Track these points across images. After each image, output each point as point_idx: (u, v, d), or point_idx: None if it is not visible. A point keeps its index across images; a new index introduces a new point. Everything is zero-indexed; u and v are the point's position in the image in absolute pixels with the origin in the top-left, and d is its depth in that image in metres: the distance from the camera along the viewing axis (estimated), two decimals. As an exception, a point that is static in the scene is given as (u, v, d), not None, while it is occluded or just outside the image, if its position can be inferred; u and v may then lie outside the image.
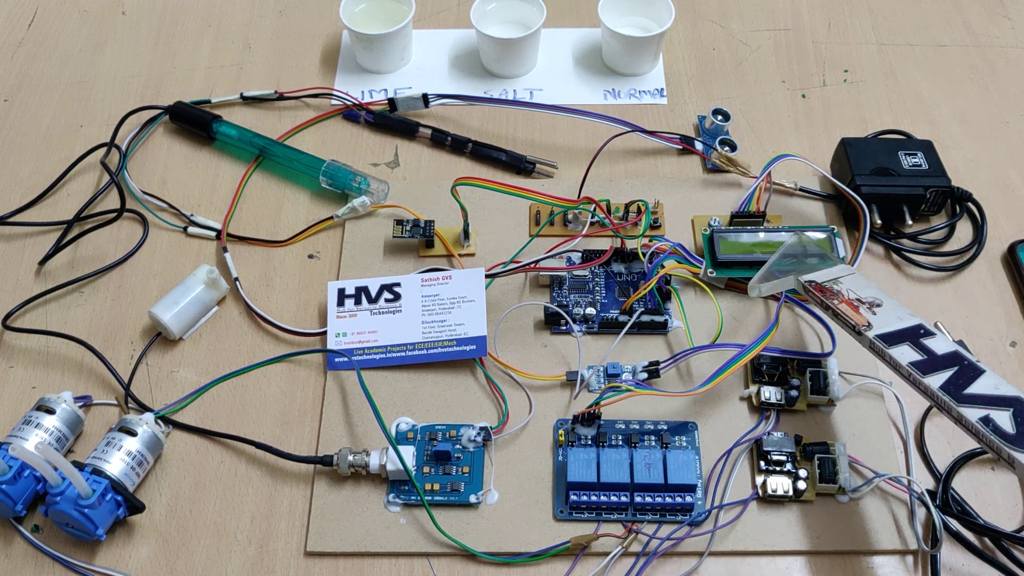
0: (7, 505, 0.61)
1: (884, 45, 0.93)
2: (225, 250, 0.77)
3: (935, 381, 0.53)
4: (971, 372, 0.54)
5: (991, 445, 0.49)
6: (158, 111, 0.87)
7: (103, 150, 0.84)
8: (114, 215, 0.79)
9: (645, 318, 0.71)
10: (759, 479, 0.64)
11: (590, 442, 0.66)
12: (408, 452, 0.64)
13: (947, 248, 0.77)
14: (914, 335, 0.57)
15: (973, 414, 0.51)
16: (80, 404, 0.68)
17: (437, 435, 0.66)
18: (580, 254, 0.75)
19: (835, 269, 0.64)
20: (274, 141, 0.84)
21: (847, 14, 0.95)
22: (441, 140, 0.84)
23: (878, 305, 0.60)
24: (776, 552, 0.62)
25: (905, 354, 0.55)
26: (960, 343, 0.69)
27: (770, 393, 0.67)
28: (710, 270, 0.72)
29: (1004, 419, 0.50)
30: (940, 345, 0.56)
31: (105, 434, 0.64)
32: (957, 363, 0.54)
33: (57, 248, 0.77)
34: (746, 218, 0.75)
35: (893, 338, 0.57)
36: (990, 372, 0.53)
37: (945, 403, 0.52)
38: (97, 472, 0.61)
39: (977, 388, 0.52)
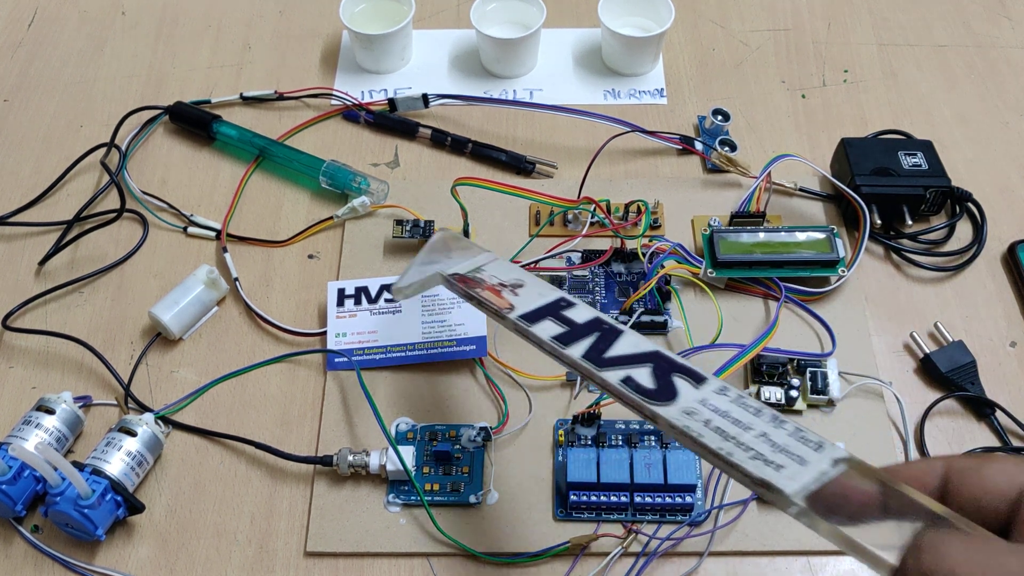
0: (7, 505, 0.61)
1: (884, 45, 0.93)
2: (225, 250, 0.77)
3: (576, 351, 0.51)
4: (611, 335, 0.51)
5: (635, 405, 0.47)
6: (158, 111, 0.87)
7: (103, 150, 0.84)
8: (114, 215, 0.79)
9: (645, 318, 0.71)
10: (759, 479, 0.64)
11: (590, 442, 0.66)
12: (408, 452, 0.64)
13: (947, 248, 0.77)
14: (555, 309, 0.54)
15: (614, 376, 0.48)
16: (80, 404, 0.68)
17: (437, 435, 0.66)
18: (580, 254, 0.75)
19: (478, 258, 0.62)
20: (274, 141, 0.84)
21: (847, 14, 0.95)
22: (441, 140, 0.84)
23: (520, 286, 0.58)
24: (776, 552, 0.62)
25: (547, 329, 0.53)
26: (960, 343, 0.69)
27: (770, 393, 0.67)
28: (710, 270, 0.72)
29: (644, 376, 0.48)
30: (581, 314, 0.54)
31: (105, 434, 0.64)
32: (597, 329, 0.52)
33: (57, 248, 0.77)
34: (746, 218, 0.75)
35: (535, 316, 0.54)
36: (629, 332, 0.51)
37: (587, 371, 0.50)
38: (97, 472, 0.61)
39: (617, 350, 0.50)
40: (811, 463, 0.39)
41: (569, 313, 0.54)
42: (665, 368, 0.48)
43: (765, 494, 0.39)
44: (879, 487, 0.36)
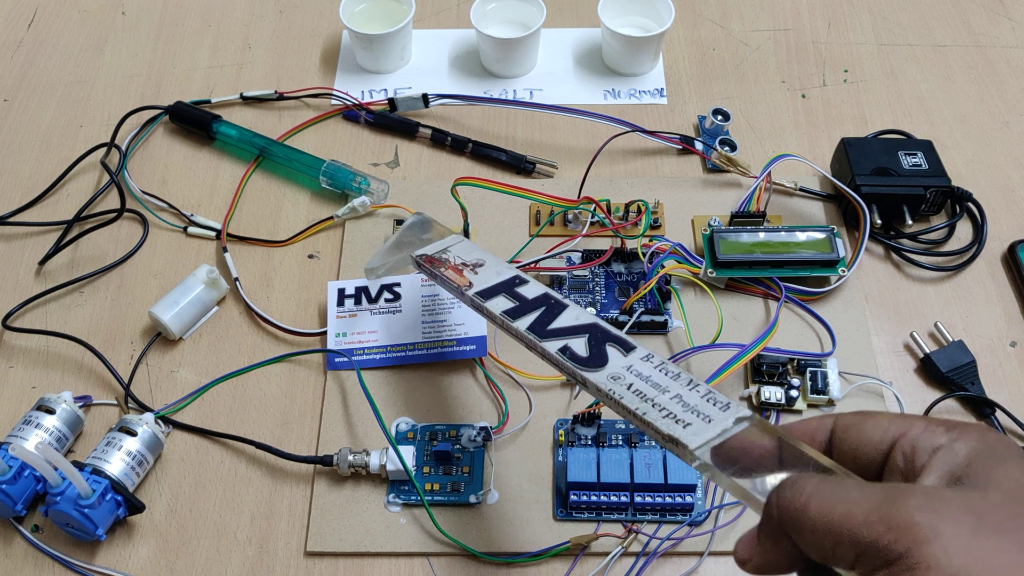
0: (7, 505, 0.61)
1: (884, 45, 0.93)
2: (225, 250, 0.77)
3: (523, 324, 0.55)
4: (556, 310, 0.55)
5: (568, 371, 0.51)
6: (158, 111, 0.87)
7: (103, 150, 0.84)
8: (114, 215, 0.79)
9: (645, 318, 0.71)
10: (759, 479, 0.64)
11: (590, 442, 0.66)
12: (408, 452, 0.64)
13: (947, 248, 0.77)
14: (509, 286, 0.59)
15: (553, 346, 0.53)
16: (80, 404, 0.68)
17: (437, 435, 0.66)
18: (580, 254, 0.75)
19: (445, 240, 0.66)
20: (274, 141, 0.84)
21: (847, 14, 0.95)
22: (441, 140, 0.84)
23: (480, 265, 0.62)
24: (776, 552, 0.61)
25: (499, 304, 0.57)
26: (960, 343, 0.69)
27: (770, 393, 0.67)
28: (710, 270, 0.72)
29: (580, 345, 0.52)
30: (532, 290, 0.58)
31: (105, 434, 0.64)
32: (544, 303, 0.56)
33: (57, 248, 0.77)
34: (746, 218, 0.75)
35: (490, 292, 0.59)
36: (573, 306, 0.55)
37: (531, 342, 0.54)
38: (97, 472, 0.61)
39: (559, 323, 0.54)
40: (716, 421, 0.43)
41: (521, 289, 0.58)
42: (599, 338, 0.52)
43: (673, 449, 0.43)
44: (776, 443, 0.40)
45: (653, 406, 0.45)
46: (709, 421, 0.43)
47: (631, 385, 0.48)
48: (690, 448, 0.42)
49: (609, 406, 0.48)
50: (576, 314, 0.55)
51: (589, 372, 0.50)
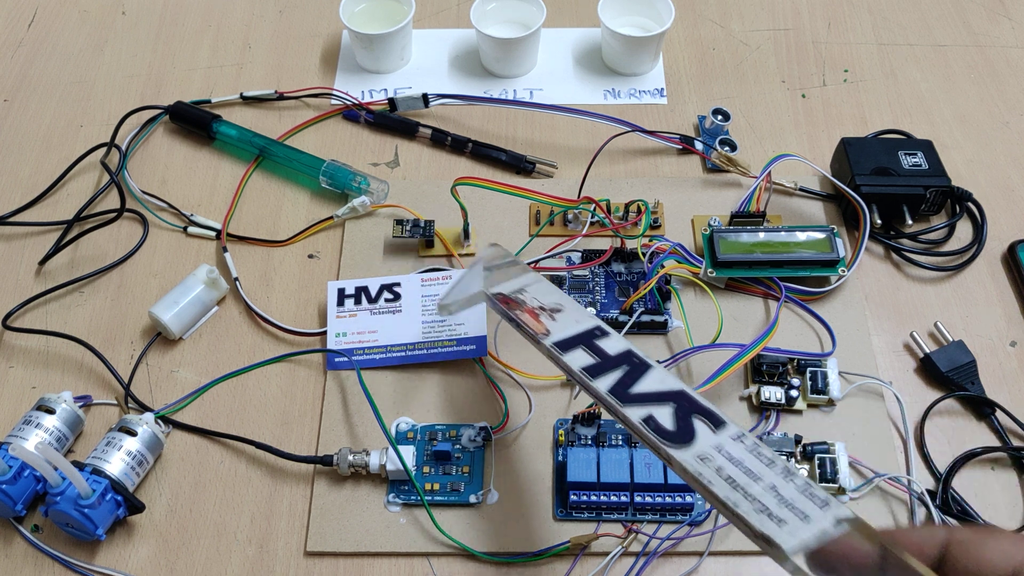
0: (7, 505, 0.61)
1: (884, 45, 0.93)
2: (225, 250, 0.77)
3: (604, 384, 0.51)
4: (640, 370, 0.52)
5: (652, 445, 0.47)
6: (158, 111, 0.87)
7: (103, 150, 0.84)
8: (114, 215, 0.79)
9: (645, 318, 0.71)
10: (759, 479, 0.64)
11: (590, 442, 0.66)
12: (408, 452, 0.64)
13: (947, 248, 0.77)
14: (589, 338, 0.55)
15: (636, 414, 0.49)
16: (80, 404, 0.68)
17: (437, 435, 0.66)
18: (580, 254, 0.75)
19: (523, 278, 0.63)
20: (274, 141, 0.84)
21: (847, 14, 0.95)
22: (441, 140, 0.84)
23: (558, 311, 0.58)
24: (776, 552, 0.61)
25: (579, 359, 0.54)
26: (960, 343, 0.69)
27: (770, 393, 0.67)
28: (710, 270, 0.72)
29: (665, 415, 0.48)
30: (613, 345, 0.54)
31: (105, 434, 0.64)
32: (627, 362, 0.53)
33: (57, 248, 0.77)
34: (746, 218, 0.75)
35: (568, 344, 0.55)
36: (657, 368, 0.52)
37: (611, 405, 0.50)
38: (97, 472, 0.61)
39: (643, 386, 0.51)
40: (814, 520, 0.39)
41: (602, 343, 0.54)
42: (686, 409, 0.48)
43: (765, 548, 0.39)
44: (879, 551, 0.36)
45: (745, 497, 0.42)
46: (806, 519, 0.39)
47: (721, 469, 0.44)
48: (785, 550, 0.38)
49: (695, 488, 0.45)
50: (661, 378, 0.51)
51: (675, 449, 0.46)
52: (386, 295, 0.73)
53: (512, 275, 0.63)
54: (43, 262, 0.77)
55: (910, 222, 0.76)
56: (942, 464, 0.65)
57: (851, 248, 0.75)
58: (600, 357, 0.53)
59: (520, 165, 0.83)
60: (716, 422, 0.47)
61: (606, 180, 0.81)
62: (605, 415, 0.66)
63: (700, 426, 0.47)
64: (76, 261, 0.78)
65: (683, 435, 0.47)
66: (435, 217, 0.77)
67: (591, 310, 0.58)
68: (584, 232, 0.76)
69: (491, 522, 0.63)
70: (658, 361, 0.53)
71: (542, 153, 0.84)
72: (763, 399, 0.66)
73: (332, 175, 0.80)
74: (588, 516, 0.63)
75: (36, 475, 0.62)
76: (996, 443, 0.66)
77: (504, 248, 0.67)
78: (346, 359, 0.70)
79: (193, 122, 0.86)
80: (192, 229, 0.79)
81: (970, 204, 0.78)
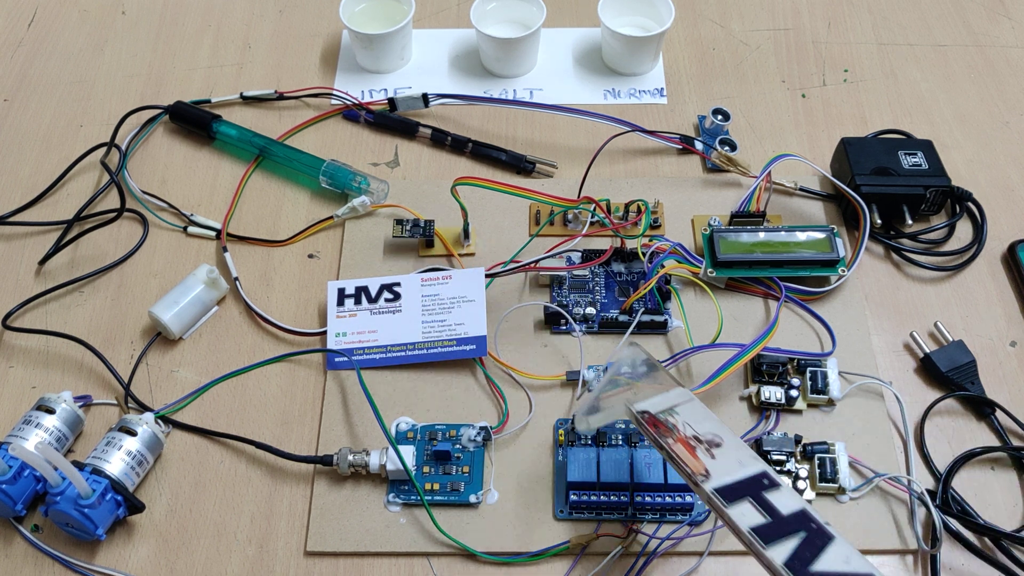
0: (7, 505, 0.61)
1: (884, 45, 0.93)
2: (225, 250, 0.77)
3: (779, 554, 0.45)
4: (820, 540, 0.45)
5: None
6: (158, 111, 0.87)
7: (103, 150, 0.84)
8: (114, 215, 0.79)
9: (645, 318, 0.71)
10: (759, 479, 0.63)
11: (590, 442, 0.66)
12: (408, 452, 0.64)
13: (947, 248, 0.77)
14: (756, 488, 0.48)
15: None
16: (80, 404, 0.68)
17: (437, 435, 0.66)
18: (580, 254, 0.75)
19: (671, 394, 0.56)
20: (274, 141, 0.84)
21: (847, 14, 0.95)
22: (441, 140, 0.84)
23: (717, 445, 0.51)
24: (776, 552, 0.61)
25: (746, 515, 0.47)
26: (960, 343, 0.69)
27: (770, 393, 0.67)
28: (710, 270, 0.72)
29: None
30: (786, 502, 0.47)
31: (105, 434, 0.64)
32: (804, 526, 0.46)
33: (57, 248, 0.77)
34: (746, 218, 0.75)
35: (733, 492, 0.48)
36: (840, 540, 0.46)
37: None
38: (97, 472, 0.61)
39: (826, 563, 0.44)
40: None
41: (771, 496, 0.48)
42: None
43: None
44: None
45: None
46: None
47: None
48: None
49: None
50: (847, 555, 0.44)
51: None
52: (386, 295, 0.73)
53: (658, 388, 0.56)
54: (43, 262, 0.77)
55: (910, 222, 0.76)
56: (942, 464, 0.65)
57: (851, 248, 0.75)
58: (771, 516, 0.47)
59: (520, 165, 0.83)
60: None
61: (606, 180, 0.81)
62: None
63: None
64: (76, 261, 0.78)
65: None
66: (435, 217, 0.77)
67: (752, 454, 0.52)
68: (584, 232, 0.76)
69: (491, 522, 0.63)
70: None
71: (542, 153, 0.84)
72: (763, 399, 0.66)
73: (332, 175, 0.80)
74: (588, 516, 0.63)
75: (36, 475, 0.62)
76: (996, 443, 0.66)
77: (643, 350, 0.60)
78: (346, 359, 0.70)
79: (193, 122, 0.86)
80: (192, 229, 0.79)
81: (970, 204, 0.78)
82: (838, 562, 0.44)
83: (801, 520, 0.46)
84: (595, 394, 0.58)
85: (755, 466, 0.50)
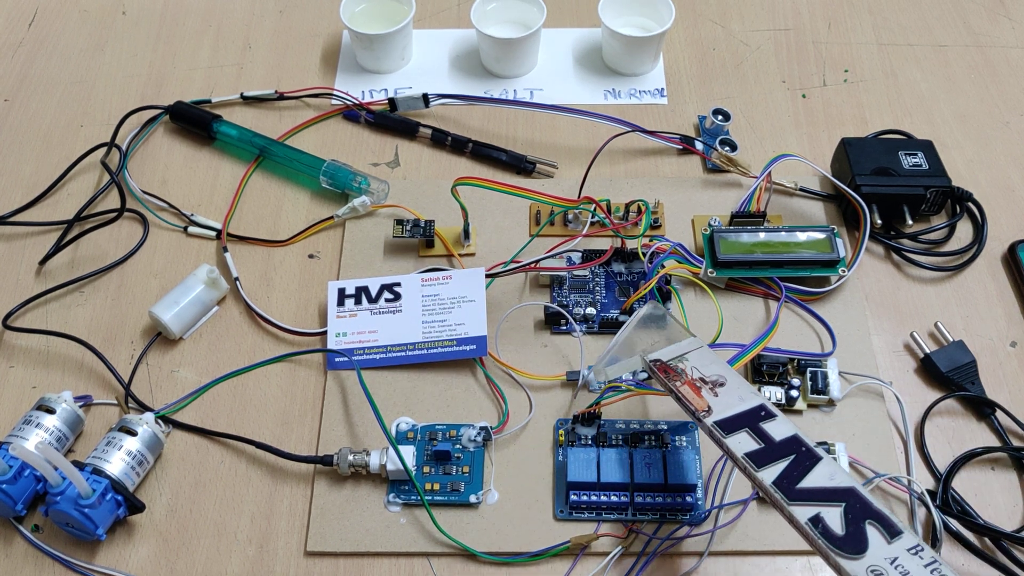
0: (7, 505, 0.61)
1: (884, 45, 0.93)
2: (225, 250, 0.77)
3: (768, 475, 0.49)
4: (808, 461, 0.49)
5: (819, 549, 0.45)
6: (158, 111, 0.87)
7: (103, 150, 0.84)
8: (114, 215, 0.79)
9: (645, 318, 0.71)
10: (759, 479, 0.63)
11: (590, 442, 0.66)
12: (408, 452, 0.64)
13: (947, 248, 0.77)
14: (754, 419, 0.53)
15: (803, 513, 0.46)
16: (80, 404, 0.68)
17: (437, 435, 0.66)
18: (580, 254, 0.75)
19: (682, 344, 0.60)
20: (274, 141, 0.84)
21: (847, 14, 0.95)
22: (441, 140, 0.84)
23: (721, 385, 0.56)
24: (776, 552, 0.61)
25: (742, 443, 0.51)
26: (960, 343, 0.69)
27: (770, 393, 0.67)
28: (710, 270, 0.72)
29: (834, 518, 0.45)
30: (780, 430, 0.52)
31: (105, 434, 0.64)
32: (794, 450, 0.50)
33: (57, 248, 0.77)
34: (746, 218, 0.75)
35: (731, 424, 0.53)
36: (827, 460, 0.49)
37: (776, 500, 0.48)
38: (97, 472, 0.61)
39: (811, 481, 0.48)
40: None
41: (767, 426, 0.52)
42: (858, 512, 0.45)
43: None
44: None
45: None
46: None
47: None
48: None
49: None
50: (831, 472, 0.48)
51: (844, 559, 0.43)
52: (386, 295, 0.73)
53: (671, 339, 0.61)
54: (43, 262, 0.77)
55: (910, 222, 0.76)
56: (942, 464, 0.65)
57: (851, 248, 0.75)
58: (765, 442, 0.51)
59: (520, 165, 0.83)
60: (891, 530, 0.44)
61: (606, 180, 0.81)
62: (605, 415, 0.66)
63: (873, 534, 0.44)
64: (76, 261, 0.78)
65: (854, 542, 0.44)
66: (435, 217, 0.77)
67: (756, 388, 0.57)
68: (584, 232, 0.76)
69: (491, 522, 0.63)
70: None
71: (542, 153, 0.84)
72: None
73: (332, 175, 0.80)
74: (588, 516, 0.63)
75: (36, 475, 0.62)
76: (996, 443, 0.66)
77: (661, 307, 0.65)
78: (346, 359, 0.70)
79: (193, 122, 0.86)
80: (192, 229, 0.79)
81: (970, 204, 0.78)
82: (823, 479, 0.48)
83: (792, 444, 0.51)
84: (613, 345, 0.63)
85: (754, 401, 0.54)
